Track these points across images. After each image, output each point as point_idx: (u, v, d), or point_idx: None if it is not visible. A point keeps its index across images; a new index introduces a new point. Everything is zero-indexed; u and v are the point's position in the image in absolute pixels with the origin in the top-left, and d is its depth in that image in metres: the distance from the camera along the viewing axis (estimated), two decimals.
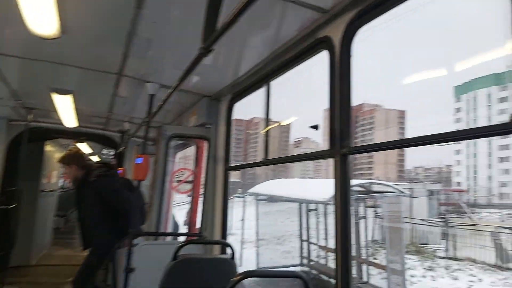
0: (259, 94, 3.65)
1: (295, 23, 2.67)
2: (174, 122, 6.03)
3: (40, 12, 2.69)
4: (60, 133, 8.20)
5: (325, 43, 2.58)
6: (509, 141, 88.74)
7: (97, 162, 4.95)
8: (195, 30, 2.67)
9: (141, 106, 5.03)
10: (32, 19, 2.79)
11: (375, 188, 12.08)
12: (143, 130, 5.25)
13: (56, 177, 11.63)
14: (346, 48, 2.39)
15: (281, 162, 3.38)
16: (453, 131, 1.75)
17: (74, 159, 4.67)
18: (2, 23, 3.05)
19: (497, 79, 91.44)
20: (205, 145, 4.88)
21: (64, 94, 4.80)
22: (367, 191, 11.84)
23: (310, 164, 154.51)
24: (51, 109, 5.84)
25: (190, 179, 5.14)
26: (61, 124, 7.30)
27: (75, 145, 4.63)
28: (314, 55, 2.80)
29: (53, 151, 10.23)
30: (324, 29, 2.59)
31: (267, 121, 3.48)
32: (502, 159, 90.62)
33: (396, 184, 14.74)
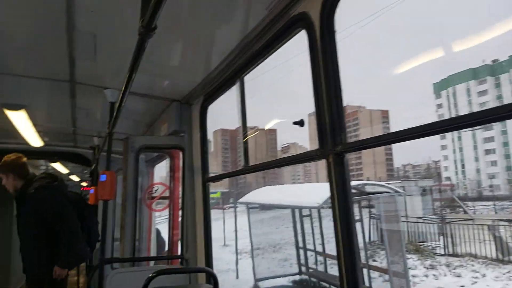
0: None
1: (263, 0, 2.19)
2: (147, 133, 5.48)
3: None
4: (28, 153, 7.58)
5: (301, 21, 2.11)
6: (493, 133, 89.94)
7: (42, 173, 4.27)
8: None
9: (106, 118, 4.49)
10: None
11: (369, 189, 11.62)
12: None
13: None
14: (327, 22, 1.92)
15: (265, 168, 2.87)
16: (455, 118, 1.36)
17: (10, 167, 3.98)
18: None
19: (474, 73, 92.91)
20: (180, 155, 4.34)
21: (16, 110, 4.23)
22: (361, 192, 11.38)
23: (299, 169, 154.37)
24: (9, 128, 5.26)
25: (165, 194, 4.59)
26: (27, 144, 6.72)
27: (19, 154, 3.92)
28: (290, 37, 2.32)
29: None
30: (298, 5, 2.12)
31: (244, 122, 2.98)
32: (488, 152, 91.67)
33: (388, 184, 14.35)
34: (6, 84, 3.65)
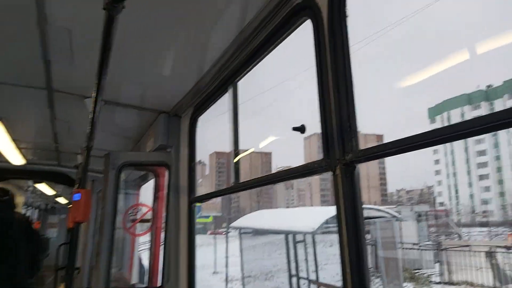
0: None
1: None
2: (134, 150, 5.14)
3: None
4: (9, 172, 7.19)
5: (306, 9, 1.83)
6: (487, 158, 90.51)
7: None
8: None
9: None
10: None
11: (365, 214, 11.25)
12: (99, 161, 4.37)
13: None
14: (337, 7, 1.64)
15: (257, 185, 2.53)
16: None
17: None
18: None
19: (469, 98, 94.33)
20: (166, 173, 3.99)
21: None
22: None
23: (293, 193, 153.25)
24: None
25: (148, 217, 4.20)
26: (8, 162, 6.33)
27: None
28: (292, 30, 2.03)
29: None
30: None
31: (236, 132, 2.67)
32: (482, 177, 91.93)
33: (384, 208, 13.99)
34: None
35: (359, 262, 1.49)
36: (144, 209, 4.32)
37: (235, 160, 2.74)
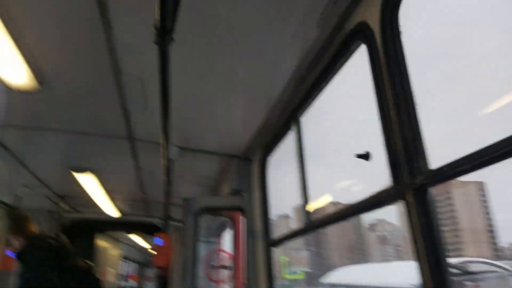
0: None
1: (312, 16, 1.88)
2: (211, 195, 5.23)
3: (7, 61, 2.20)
4: (104, 224, 7.77)
5: (360, 34, 1.74)
6: None
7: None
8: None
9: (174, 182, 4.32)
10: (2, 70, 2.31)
11: (474, 268, 9.84)
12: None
13: (113, 275, 11.11)
14: (389, 26, 1.52)
15: (330, 222, 2.33)
16: None
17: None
18: None
19: None
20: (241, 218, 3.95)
21: (82, 172, 4.28)
22: (463, 272, 9.65)
23: (389, 248, 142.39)
24: (82, 195, 5.39)
25: (228, 263, 4.13)
26: (103, 213, 6.89)
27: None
28: (348, 56, 1.94)
29: (106, 247, 9.82)
30: (354, 14, 1.77)
31: (302, 170, 2.53)
32: None
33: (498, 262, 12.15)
34: (71, 146, 3.72)
35: None
36: (225, 256, 4.28)
37: (303, 198, 2.59)
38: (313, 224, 2.44)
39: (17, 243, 3.44)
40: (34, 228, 3.57)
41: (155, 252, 5.22)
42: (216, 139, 3.60)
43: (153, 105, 2.89)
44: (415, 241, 1.34)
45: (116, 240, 10.59)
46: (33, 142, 3.74)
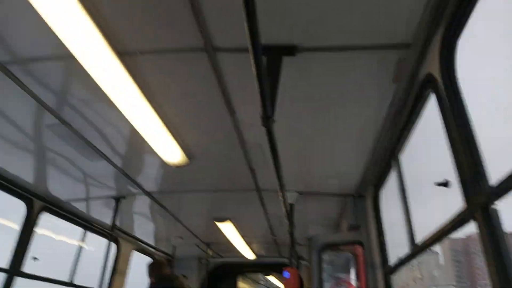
0: None
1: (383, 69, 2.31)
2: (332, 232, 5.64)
3: (165, 144, 3.13)
4: (244, 266, 8.60)
5: (428, 83, 2.12)
6: None
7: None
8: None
9: (298, 223, 4.91)
10: (162, 151, 3.25)
11: None
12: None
13: None
14: (446, 76, 1.90)
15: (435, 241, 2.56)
16: None
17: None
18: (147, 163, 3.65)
19: None
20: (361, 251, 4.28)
21: (222, 221, 5.15)
22: None
23: None
24: (225, 241, 6.30)
25: None
26: (242, 256, 7.73)
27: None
28: (424, 104, 2.32)
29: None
30: (422, 67, 2.17)
31: (405, 203, 2.86)
32: None
33: None
34: (212, 200, 4.62)
35: None
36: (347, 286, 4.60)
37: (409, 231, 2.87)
38: (416, 250, 2.69)
39: (151, 281, 4.59)
40: (166, 271, 4.70)
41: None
42: (330, 182, 4.08)
43: (271, 163, 3.60)
44: (488, 263, 1.54)
45: (255, 282, 11.40)
46: (184, 202, 4.75)
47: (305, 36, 2.07)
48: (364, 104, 2.64)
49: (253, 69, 1.63)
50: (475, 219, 1.65)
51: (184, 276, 5.20)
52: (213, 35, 2.07)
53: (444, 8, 1.78)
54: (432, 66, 2.00)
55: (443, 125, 1.96)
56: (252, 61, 1.58)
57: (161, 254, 6.93)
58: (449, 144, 1.91)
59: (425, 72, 2.13)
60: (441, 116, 1.97)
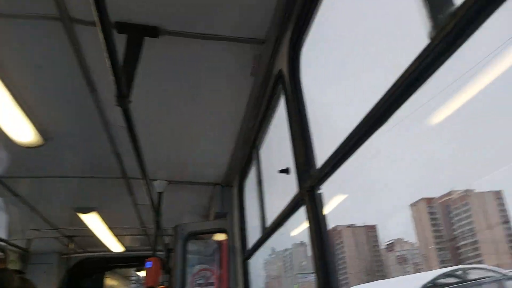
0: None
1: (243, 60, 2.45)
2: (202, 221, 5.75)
3: (15, 122, 2.82)
4: (112, 260, 8.17)
5: (280, 79, 2.32)
6: None
7: None
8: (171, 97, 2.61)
9: (170, 213, 4.86)
10: (11, 129, 2.92)
11: (473, 275, 10.07)
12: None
13: None
14: (292, 74, 2.10)
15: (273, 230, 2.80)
16: None
17: None
18: None
19: None
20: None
21: (87, 212, 4.84)
22: (463, 280, 9.89)
23: (409, 266, 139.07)
24: (90, 234, 5.91)
25: (212, 280, 4.59)
26: (110, 251, 7.34)
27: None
28: (278, 99, 2.53)
29: (115, 285, 10.15)
30: (276, 63, 2.36)
31: (260, 194, 3.08)
32: None
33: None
34: (74, 188, 4.30)
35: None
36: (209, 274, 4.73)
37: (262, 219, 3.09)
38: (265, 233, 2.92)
39: None
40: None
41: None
42: (200, 171, 4.15)
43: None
44: (310, 230, 1.74)
45: (125, 278, 10.94)
46: (41, 190, 4.34)
47: (168, 20, 2.09)
48: (227, 94, 2.76)
49: (102, 44, 1.59)
50: (304, 202, 1.86)
51: (19, 271, 4.66)
52: (69, 4, 1.96)
53: (292, 8, 1.97)
54: (282, 63, 2.20)
55: (287, 118, 2.17)
56: (100, 35, 1.53)
57: (13, 249, 6.19)
58: (290, 136, 2.12)
59: (277, 68, 2.32)
60: (286, 110, 2.18)
